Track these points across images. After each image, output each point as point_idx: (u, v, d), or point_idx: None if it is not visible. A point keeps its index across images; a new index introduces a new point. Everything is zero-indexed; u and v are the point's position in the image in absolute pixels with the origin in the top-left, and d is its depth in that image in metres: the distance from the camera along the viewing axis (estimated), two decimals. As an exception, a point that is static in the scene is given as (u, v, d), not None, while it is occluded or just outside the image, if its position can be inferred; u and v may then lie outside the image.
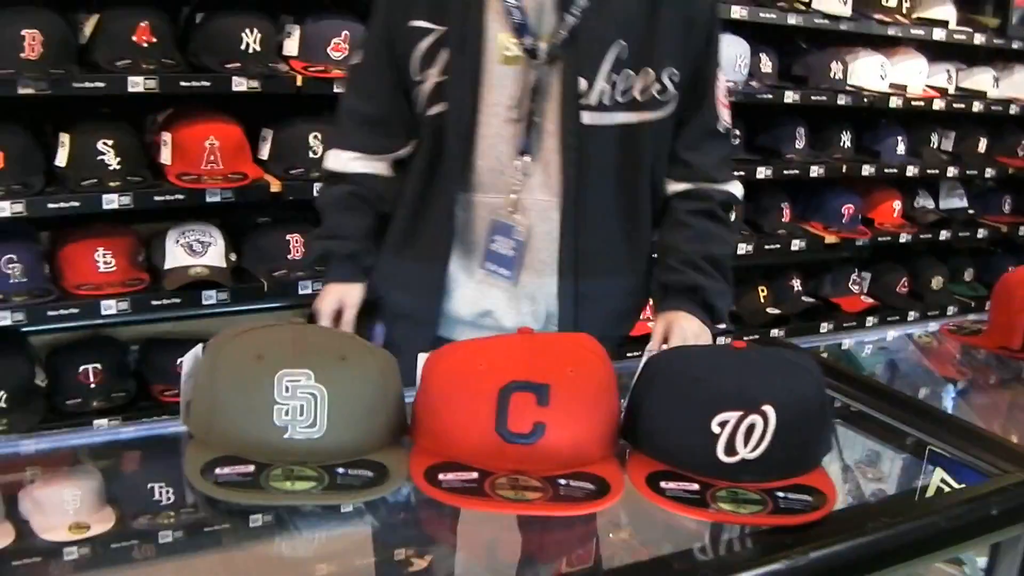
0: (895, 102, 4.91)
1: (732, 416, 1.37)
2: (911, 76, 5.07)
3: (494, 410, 1.36)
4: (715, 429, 1.38)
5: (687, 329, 2.11)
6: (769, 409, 1.36)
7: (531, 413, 1.36)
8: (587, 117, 2.07)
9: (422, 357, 1.50)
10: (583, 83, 2.05)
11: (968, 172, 5.43)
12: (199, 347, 1.46)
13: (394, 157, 2.28)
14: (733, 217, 2.41)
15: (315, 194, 3.39)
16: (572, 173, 2.10)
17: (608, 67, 2.05)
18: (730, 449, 1.38)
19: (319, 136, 3.58)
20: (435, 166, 2.17)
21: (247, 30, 3.46)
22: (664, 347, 2.06)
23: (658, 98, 2.11)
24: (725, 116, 2.24)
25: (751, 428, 1.37)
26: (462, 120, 2.10)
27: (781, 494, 1.38)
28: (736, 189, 2.29)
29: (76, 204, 3.23)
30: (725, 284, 2.21)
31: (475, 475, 1.36)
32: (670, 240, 2.23)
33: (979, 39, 5.27)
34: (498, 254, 2.17)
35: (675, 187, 2.24)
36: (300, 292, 3.57)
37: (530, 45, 2.05)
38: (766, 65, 4.58)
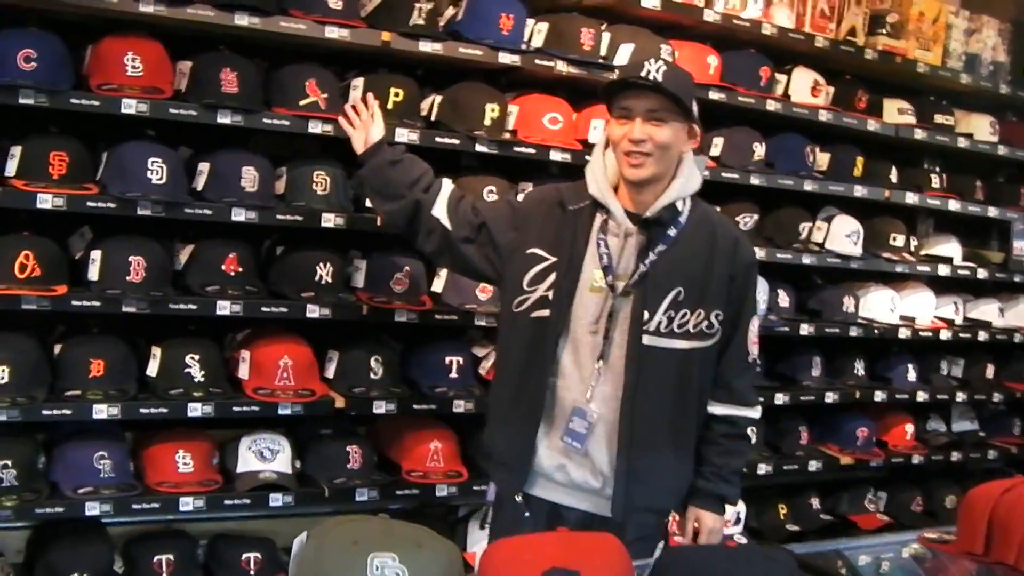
0: (904, 333, 5.18)
1: (723, 599, 1.73)
2: (919, 309, 5.35)
3: (537, 590, 1.74)
4: (711, 609, 1.74)
5: (711, 524, 2.94)
6: (752, 593, 1.73)
7: (566, 593, 1.74)
8: (646, 339, 2.82)
9: (480, 549, 1.89)
10: (646, 314, 2.76)
11: (976, 397, 5.64)
12: (304, 535, 1.85)
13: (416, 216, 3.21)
14: (752, 434, 3.10)
15: (374, 410, 3.87)
16: (632, 379, 2.83)
17: (667, 305, 2.78)
18: (724, 626, 1.73)
19: (379, 359, 3.96)
20: (532, 357, 2.88)
21: (321, 263, 3.86)
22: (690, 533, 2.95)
23: (706, 332, 2.83)
24: (754, 351, 2.96)
25: (739, 608, 1.73)
26: (559, 326, 2.82)
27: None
28: (757, 413, 3.07)
29: (164, 411, 3.58)
30: (739, 487, 3.02)
31: (522, 640, 1.73)
32: (707, 453, 2.99)
33: (983, 274, 5.60)
34: (574, 431, 2.87)
35: (716, 409, 2.98)
36: (358, 499, 3.83)
37: (611, 281, 2.83)
38: (783, 300, 4.88)
